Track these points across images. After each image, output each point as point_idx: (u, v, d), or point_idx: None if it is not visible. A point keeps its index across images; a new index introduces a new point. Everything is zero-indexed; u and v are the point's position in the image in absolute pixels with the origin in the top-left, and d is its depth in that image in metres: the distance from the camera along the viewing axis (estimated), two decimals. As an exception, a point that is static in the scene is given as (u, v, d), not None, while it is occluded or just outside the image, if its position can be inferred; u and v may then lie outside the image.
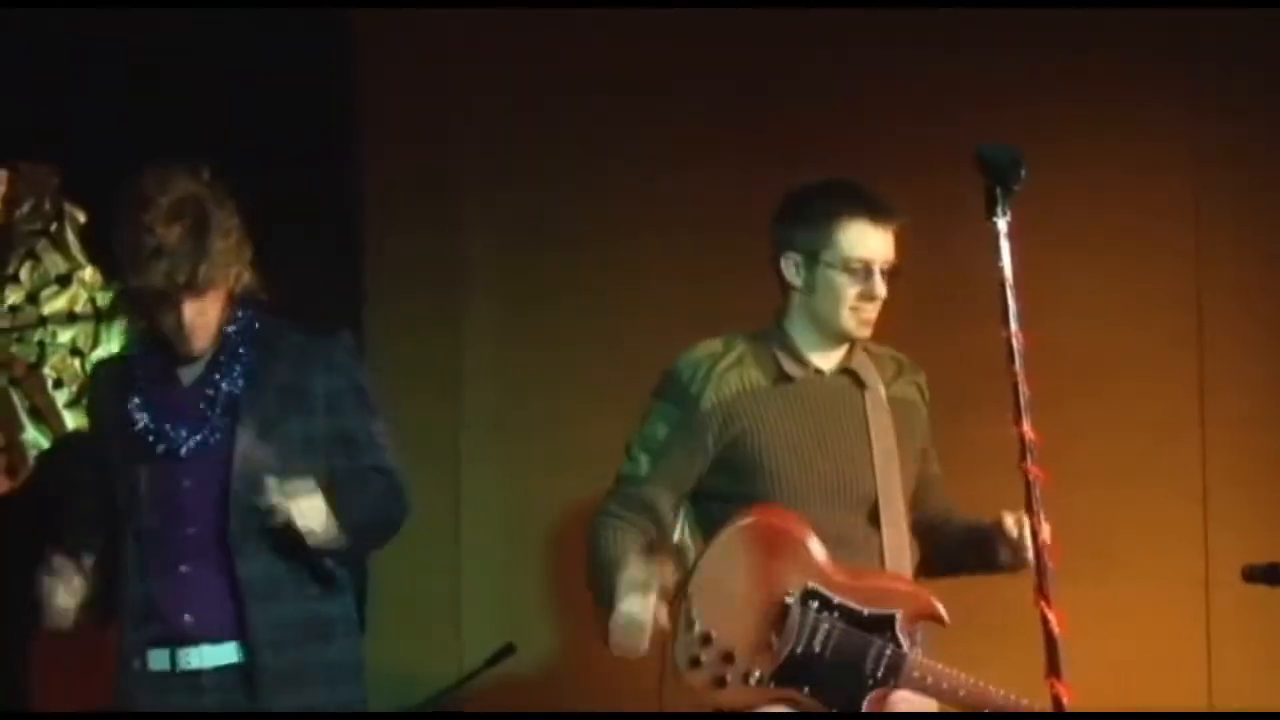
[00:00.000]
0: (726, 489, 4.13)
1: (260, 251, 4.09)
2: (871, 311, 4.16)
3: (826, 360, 4.21)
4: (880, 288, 4.14)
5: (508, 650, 5.24)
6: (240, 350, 4.02)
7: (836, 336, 4.19)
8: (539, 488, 5.49)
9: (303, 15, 5.66)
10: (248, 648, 3.94)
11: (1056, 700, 3.27)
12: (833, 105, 5.56)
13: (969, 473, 4.52)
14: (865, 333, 4.19)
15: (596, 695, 5.10)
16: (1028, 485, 3.31)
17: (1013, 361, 3.33)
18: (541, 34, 5.69)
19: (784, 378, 4.17)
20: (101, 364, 4.57)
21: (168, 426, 4.00)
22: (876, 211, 4.14)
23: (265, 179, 5.46)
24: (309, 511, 3.91)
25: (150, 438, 4.01)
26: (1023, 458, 3.31)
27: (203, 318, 3.96)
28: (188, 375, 4.06)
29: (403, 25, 5.72)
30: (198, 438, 3.97)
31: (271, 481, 3.88)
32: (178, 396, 4.04)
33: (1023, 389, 3.33)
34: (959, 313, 4.89)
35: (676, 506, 4.17)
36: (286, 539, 3.91)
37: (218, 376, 4.01)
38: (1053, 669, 3.27)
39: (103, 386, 4.22)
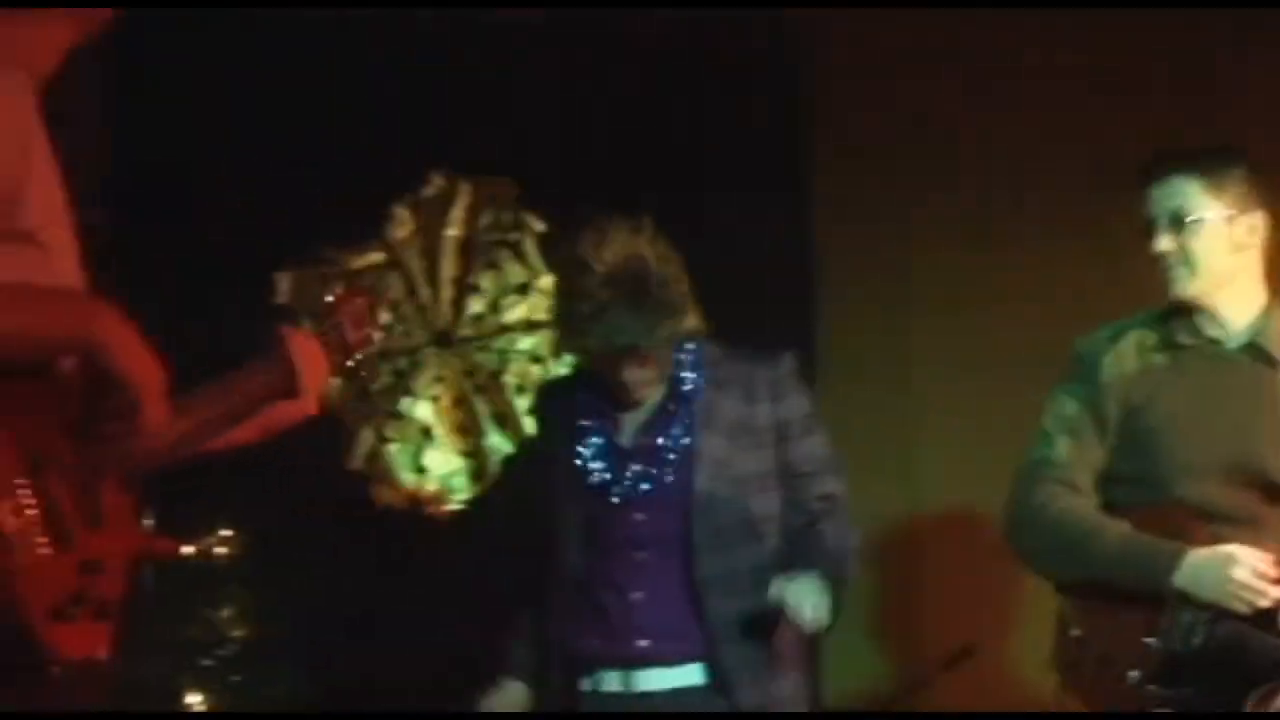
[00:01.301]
0: (1122, 469, 4.01)
1: (708, 260, 4.06)
2: (1169, 270, 4.00)
3: (1225, 330, 4.03)
4: (1159, 243, 3.99)
5: (967, 652, 5.14)
6: (687, 391, 3.96)
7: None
8: (995, 484, 5.39)
9: (749, 17, 5.69)
10: (715, 677, 3.93)
11: None
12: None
13: None
14: (1176, 291, 4.00)
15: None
16: None
17: None
18: (990, 36, 5.62)
19: (1176, 345, 4.03)
20: (549, 385, 4.53)
21: (618, 473, 3.95)
22: (1149, 170, 4.05)
23: (712, 181, 5.55)
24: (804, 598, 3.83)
25: (599, 482, 3.98)
26: None
27: (644, 375, 3.90)
28: (635, 418, 4.00)
29: (850, 28, 5.70)
30: (646, 485, 3.94)
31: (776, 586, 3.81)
32: (627, 439, 4.00)
33: None
34: None
35: (1093, 489, 4.05)
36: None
37: (667, 423, 3.96)
38: None
39: (551, 411, 4.19)
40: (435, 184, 6.17)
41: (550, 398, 4.22)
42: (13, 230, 2.28)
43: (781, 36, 5.75)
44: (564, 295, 3.90)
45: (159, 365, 2.35)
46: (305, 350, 2.97)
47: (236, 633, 5.65)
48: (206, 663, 5.35)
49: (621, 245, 3.82)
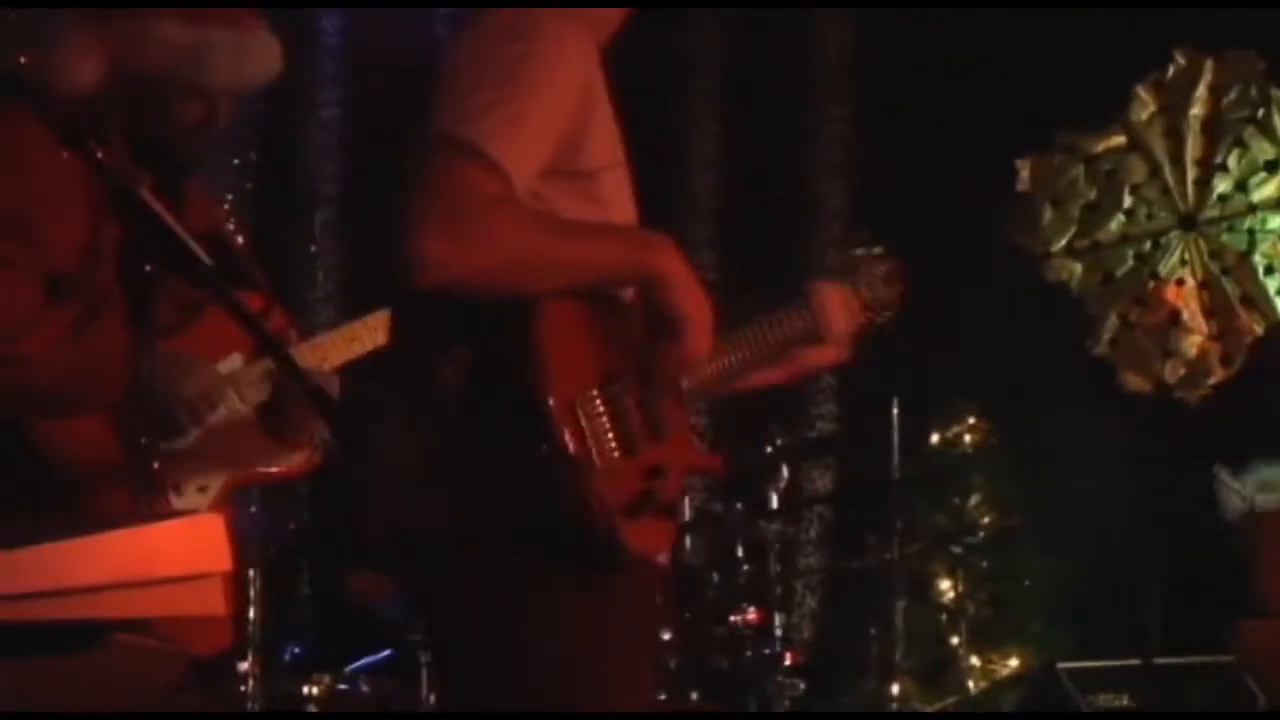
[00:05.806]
0: None
1: None
2: None
3: None
4: None
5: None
6: None
7: None
8: None
9: None
10: None
11: None
12: None
13: None
14: None
15: None
16: None
17: None
18: None
19: None
20: None
21: None
22: None
23: None
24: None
25: None
26: None
27: None
28: None
29: None
30: None
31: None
32: None
33: None
34: None
35: None
36: None
37: None
38: None
39: None
40: (1177, 63, 6.05)
41: None
42: (573, 170, 2.49)
43: None
44: None
45: (707, 302, 2.52)
46: (832, 300, 3.02)
47: (985, 520, 5.75)
48: (955, 550, 5.46)
49: None
